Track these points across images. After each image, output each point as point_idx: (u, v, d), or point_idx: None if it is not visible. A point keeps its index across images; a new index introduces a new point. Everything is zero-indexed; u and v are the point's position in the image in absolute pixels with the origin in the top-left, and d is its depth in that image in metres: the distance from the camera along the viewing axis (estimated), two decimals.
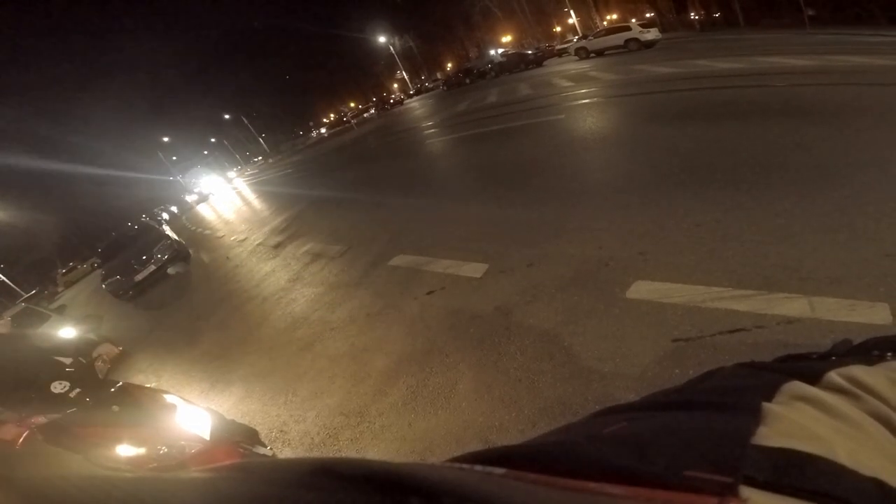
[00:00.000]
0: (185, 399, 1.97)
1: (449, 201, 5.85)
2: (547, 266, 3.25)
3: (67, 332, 5.56)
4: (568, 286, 2.92)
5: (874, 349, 0.51)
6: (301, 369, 3.27)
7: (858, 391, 0.40)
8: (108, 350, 5.26)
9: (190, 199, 28.30)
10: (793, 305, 2.15)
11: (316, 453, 2.40)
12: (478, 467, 0.31)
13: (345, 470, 0.22)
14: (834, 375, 0.42)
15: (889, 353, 0.48)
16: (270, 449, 2.22)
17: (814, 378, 0.42)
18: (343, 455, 2.30)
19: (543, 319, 2.69)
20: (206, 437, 1.72)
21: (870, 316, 1.98)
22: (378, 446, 2.28)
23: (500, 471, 0.30)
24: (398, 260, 4.45)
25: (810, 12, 17.62)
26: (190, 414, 1.82)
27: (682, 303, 2.41)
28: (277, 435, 2.68)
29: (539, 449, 0.35)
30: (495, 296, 3.16)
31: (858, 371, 0.43)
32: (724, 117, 5.39)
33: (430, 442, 2.16)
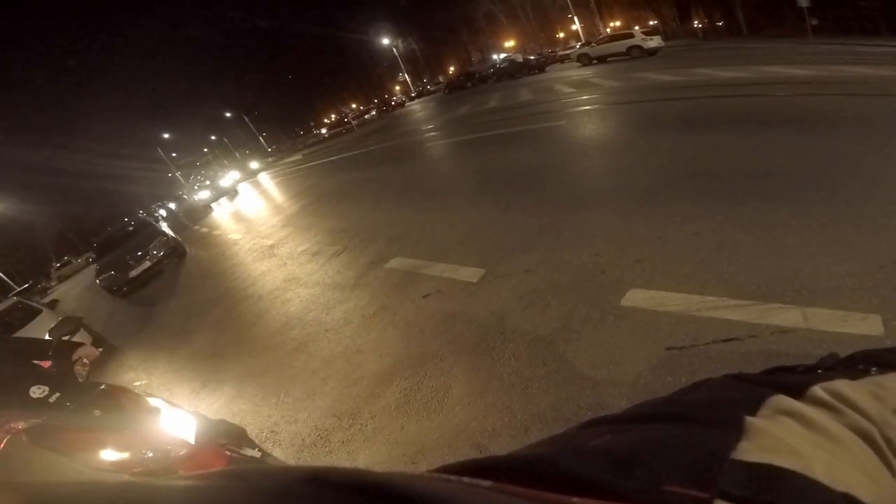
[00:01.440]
0: (168, 402, 1.95)
1: (447, 205, 5.84)
2: (543, 272, 3.25)
3: (47, 333, 5.49)
4: (564, 292, 2.91)
5: (860, 363, 0.52)
6: (294, 370, 3.26)
7: (841, 405, 0.40)
8: (88, 352, 5.17)
9: (200, 197, 21.14)
10: (786, 316, 2.16)
11: (307, 455, 2.39)
12: (465, 479, 0.31)
13: (335, 480, 0.22)
14: (818, 389, 0.43)
15: (874, 368, 0.49)
16: (258, 450, 2.21)
17: (798, 392, 0.43)
18: (333, 459, 2.29)
19: (538, 325, 2.69)
20: (191, 440, 1.70)
21: (862, 327, 1.98)
22: (370, 449, 2.27)
23: (485, 483, 0.30)
24: (395, 262, 4.45)
25: (813, 22, 17.68)
26: (174, 417, 1.80)
27: (676, 311, 2.41)
28: (268, 435, 2.66)
29: (525, 462, 0.35)
30: (491, 301, 3.15)
31: (842, 385, 0.43)
32: (723, 126, 5.41)
33: (422, 446, 2.15)
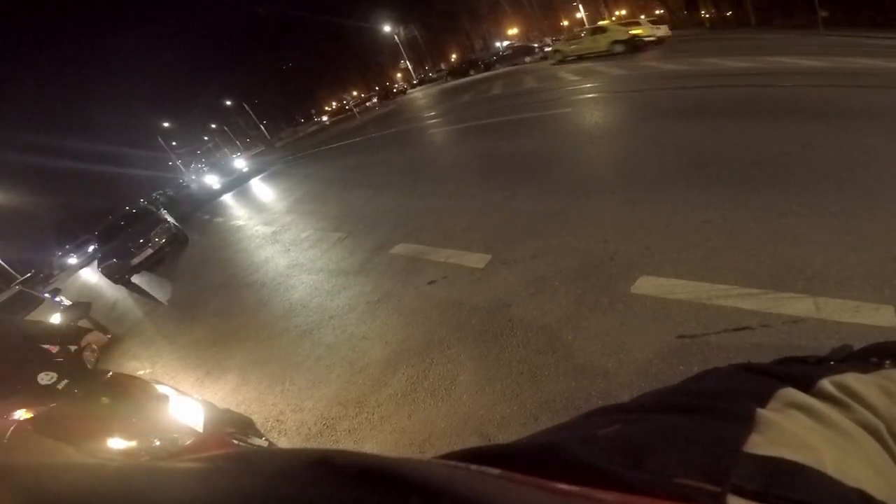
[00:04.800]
0: (177, 389, 1.94)
1: (451, 191, 5.80)
2: (551, 258, 3.21)
3: (55, 318, 5.47)
4: (572, 279, 2.88)
5: (872, 356, 0.52)
6: (299, 358, 3.25)
7: (848, 400, 0.40)
8: (96, 338, 5.15)
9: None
10: (798, 305, 2.13)
11: (313, 444, 2.38)
12: (473, 466, 0.31)
13: (341, 463, 0.22)
14: (826, 383, 0.43)
15: (888, 361, 0.49)
16: (266, 439, 2.20)
17: (807, 384, 0.43)
18: (340, 447, 2.28)
19: (546, 312, 2.66)
20: (200, 428, 1.68)
21: (875, 318, 1.96)
22: (376, 437, 2.25)
23: (494, 471, 0.29)
24: (399, 248, 4.42)
25: (823, 13, 17.40)
26: (182, 405, 1.78)
27: (687, 299, 2.38)
28: (274, 424, 2.65)
29: (534, 450, 0.35)
30: (498, 287, 3.12)
31: (851, 379, 0.43)
32: (732, 116, 5.34)
33: (430, 434, 2.14)
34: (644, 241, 3.03)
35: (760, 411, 0.37)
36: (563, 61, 19.14)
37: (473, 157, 7.24)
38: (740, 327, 2.11)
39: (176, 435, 1.61)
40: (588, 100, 8.76)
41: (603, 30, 17.70)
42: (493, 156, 6.78)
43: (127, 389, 1.79)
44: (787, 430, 0.35)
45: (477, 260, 3.58)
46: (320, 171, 12.17)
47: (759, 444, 0.33)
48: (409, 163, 8.57)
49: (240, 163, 18.64)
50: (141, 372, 4.25)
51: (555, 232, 3.56)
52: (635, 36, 16.55)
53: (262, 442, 2.14)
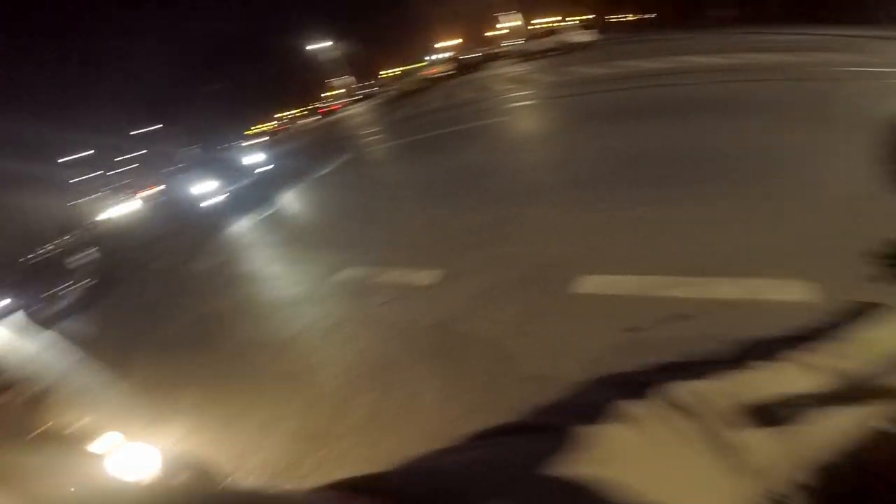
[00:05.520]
0: (127, 436, 1.81)
1: (394, 209, 5.79)
2: (497, 269, 3.28)
3: None
4: (519, 287, 2.96)
5: (752, 355, 0.52)
6: (253, 394, 3.10)
7: (695, 407, 0.41)
8: (15, 395, 4.68)
9: None
10: (732, 289, 2.30)
11: (280, 482, 2.28)
12: (345, 494, 0.33)
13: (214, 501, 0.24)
14: (675, 389, 0.43)
15: (762, 361, 0.50)
16: (229, 479, 2.07)
17: (659, 392, 0.43)
18: (309, 484, 2.19)
19: (498, 322, 2.71)
20: (151, 476, 1.57)
21: (802, 294, 2.15)
22: (344, 469, 2.18)
23: (364, 500, 0.32)
24: (347, 273, 4.33)
25: (733, 13, 19.00)
26: (134, 452, 1.66)
27: (629, 294, 2.52)
28: (235, 466, 2.51)
29: (373, 481, 0.37)
30: (448, 302, 3.14)
31: (702, 386, 0.44)
32: (652, 115, 5.70)
33: (403, 458, 2.09)
34: (583, 242, 3.16)
35: (594, 427, 0.38)
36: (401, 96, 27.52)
37: (412, 173, 7.27)
38: (681, 315, 2.23)
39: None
40: (522, 108, 9.05)
41: (410, 73, 31.39)
42: (433, 170, 6.84)
43: (63, 445, 1.65)
44: (610, 448, 0.36)
45: (426, 277, 3.59)
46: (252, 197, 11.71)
47: (574, 464, 0.34)
48: (347, 183, 8.41)
49: (256, 157, 11.10)
50: (79, 423, 3.90)
51: (498, 242, 3.64)
52: (426, 75, 29.13)
53: (221, 484, 2.02)
